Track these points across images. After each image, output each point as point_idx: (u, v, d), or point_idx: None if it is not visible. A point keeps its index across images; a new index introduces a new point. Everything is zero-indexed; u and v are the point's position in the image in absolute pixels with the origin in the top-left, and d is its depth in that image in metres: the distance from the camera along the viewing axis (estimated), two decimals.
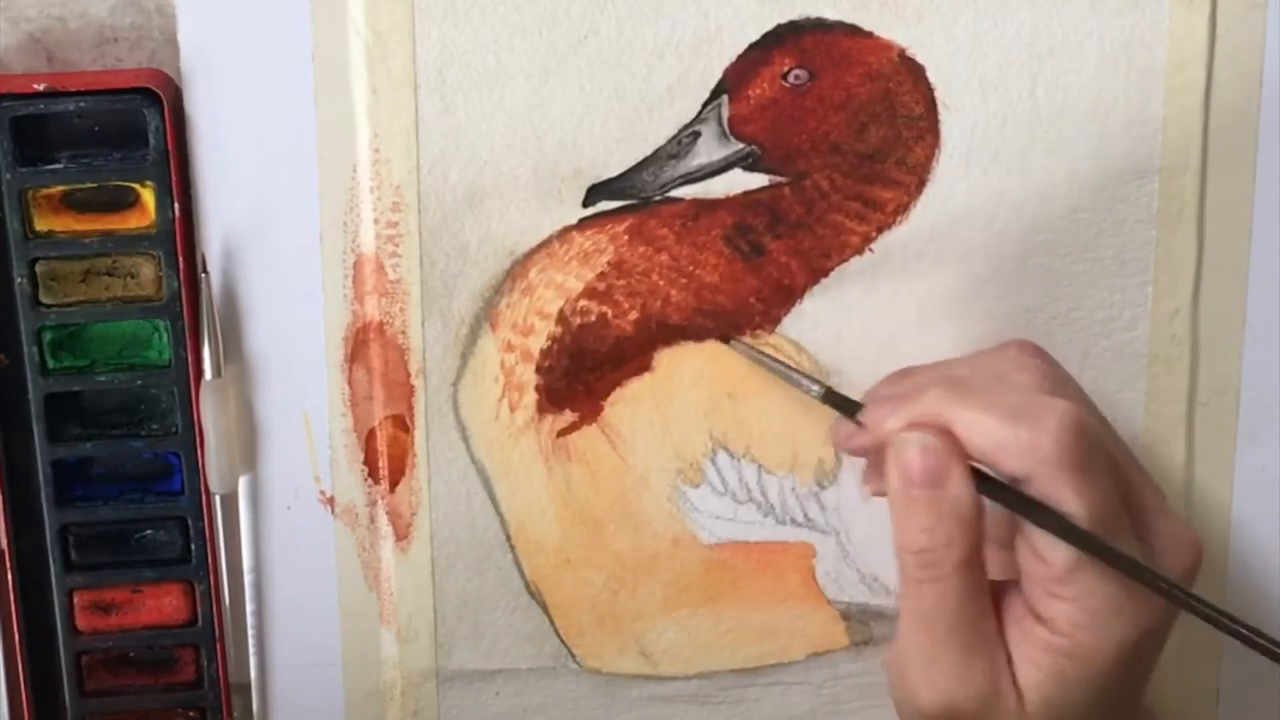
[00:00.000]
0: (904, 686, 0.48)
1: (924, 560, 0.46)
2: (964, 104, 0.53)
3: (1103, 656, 0.45)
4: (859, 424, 0.49)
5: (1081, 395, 0.49)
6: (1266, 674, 0.57)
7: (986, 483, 0.46)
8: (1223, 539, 0.56)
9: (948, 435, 0.46)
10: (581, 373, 0.54)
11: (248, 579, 0.55)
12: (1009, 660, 0.46)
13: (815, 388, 0.51)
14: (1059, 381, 0.49)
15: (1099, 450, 0.45)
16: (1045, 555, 0.45)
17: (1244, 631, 0.44)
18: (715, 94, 0.52)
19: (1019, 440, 0.45)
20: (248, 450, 0.54)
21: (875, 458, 0.50)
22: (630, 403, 0.54)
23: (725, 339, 0.53)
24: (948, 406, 0.46)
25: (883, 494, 0.48)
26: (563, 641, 0.56)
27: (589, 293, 0.53)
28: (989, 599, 0.47)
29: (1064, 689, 0.46)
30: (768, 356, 0.53)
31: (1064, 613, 0.45)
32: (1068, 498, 0.45)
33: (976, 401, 0.46)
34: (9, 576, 0.54)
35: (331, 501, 0.55)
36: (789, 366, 0.53)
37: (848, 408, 0.49)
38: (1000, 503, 0.46)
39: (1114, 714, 0.47)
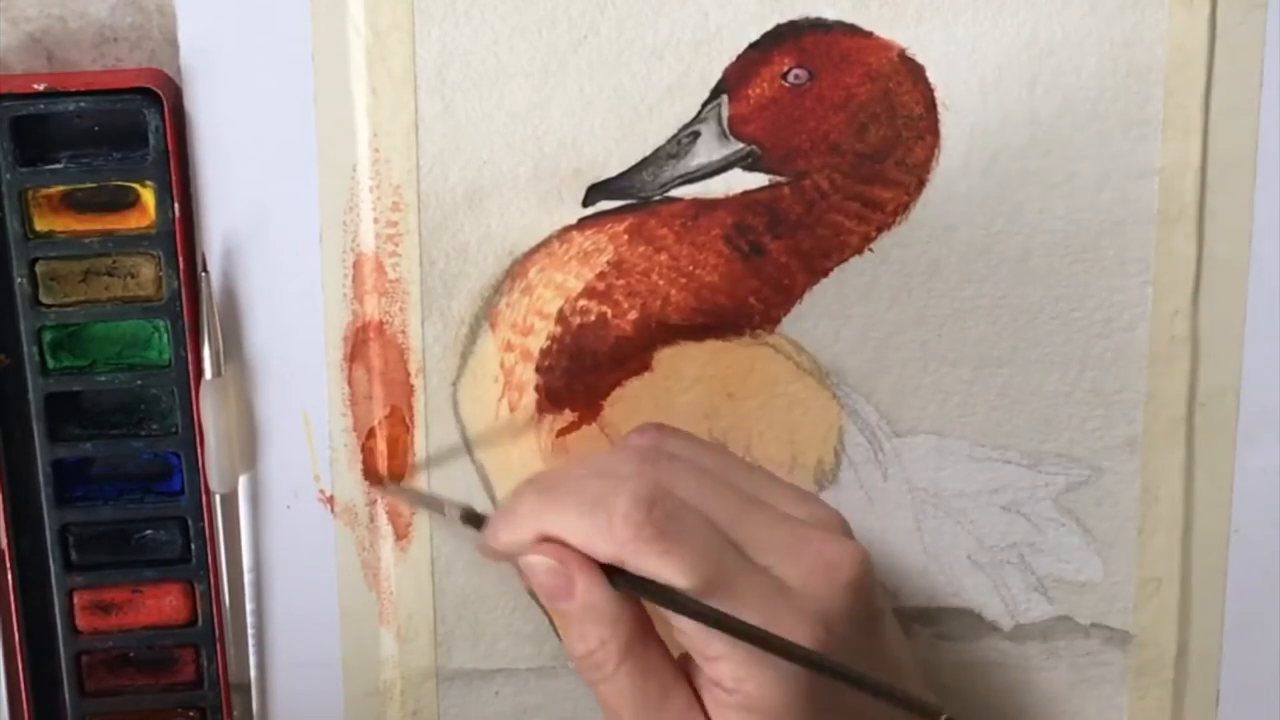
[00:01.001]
0: None
1: (588, 664, 0.47)
2: (964, 104, 0.53)
3: (779, 701, 0.45)
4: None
5: (688, 466, 0.48)
6: (1266, 674, 0.57)
7: (616, 575, 0.46)
8: (1223, 539, 0.56)
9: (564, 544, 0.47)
10: (581, 372, 0.54)
11: (248, 579, 0.55)
12: None
13: (455, 511, 0.51)
14: (660, 459, 0.48)
15: (680, 514, 0.46)
16: (677, 624, 0.46)
17: (861, 680, 0.45)
18: (715, 94, 0.52)
19: (597, 528, 0.46)
20: (248, 450, 0.54)
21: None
22: (630, 403, 0.54)
23: (381, 484, 0.54)
24: (541, 513, 0.47)
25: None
26: (562, 641, 0.56)
27: (589, 292, 0.53)
28: (674, 676, 0.47)
29: None
30: (411, 492, 0.54)
31: (724, 670, 0.46)
32: (656, 569, 0.45)
33: (561, 501, 0.47)
34: (9, 576, 0.54)
35: (331, 501, 0.55)
36: (431, 496, 0.53)
37: (478, 524, 0.50)
38: (625, 589, 0.46)
39: None
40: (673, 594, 0.45)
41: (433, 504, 0.53)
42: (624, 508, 0.45)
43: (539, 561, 0.47)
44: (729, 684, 0.46)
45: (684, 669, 0.48)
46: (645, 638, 0.47)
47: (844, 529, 0.49)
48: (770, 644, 0.45)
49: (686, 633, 0.46)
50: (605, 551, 0.46)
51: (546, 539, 0.47)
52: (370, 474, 0.54)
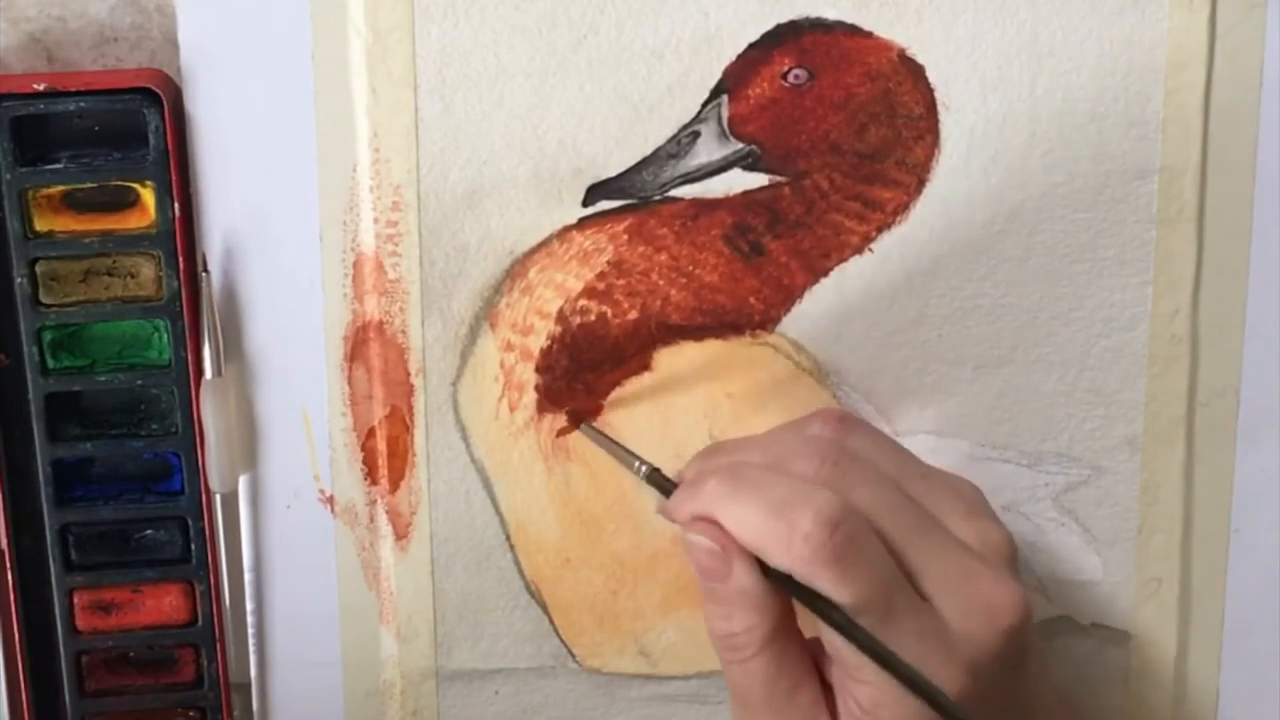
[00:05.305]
0: None
1: (727, 644, 0.47)
2: (964, 104, 0.53)
3: None
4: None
5: (869, 470, 0.48)
6: (1266, 674, 0.57)
7: (772, 570, 0.46)
8: (1223, 539, 0.56)
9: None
10: (581, 372, 0.54)
11: (248, 579, 0.55)
12: None
13: (643, 469, 0.51)
14: (841, 460, 0.48)
15: (859, 538, 0.46)
16: (831, 641, 0.46)
17: None
18: (715, 94, 0.52)
19: (775, 535, 0.46)
20: (248, 450, 0.54)
21: None
22: (630, 402, 0.54)
23: (577, 423, 0.54)
24: (720, 500, 0.47)
25: None
26: (562, 641, 0.56)
27: (589, 292, 0.53)
28: (806, 670, 0.48)
29: None
30: (606, 439, 0.53)
31: (864, 692, 0.46)
32: (827, 590, 0.45)
33: (745, 494, 0.47)
34: (9, 576, 0.54)
35: (331, 501, 0.55)
36: (624, 449, 0.52)
37: (666, 490, 0.50)
38: (784, 590, 0.46)
39: None
40: (832, 609, 0.45)
41: (624, 457, 0.52)
42: (807, 526, 0.45)
43: (699, 541, 0.47)
44: (866, 705, 0.46)
45: (816, 659, 0.48)
46: (787, 630, 0.47)
47: (1009, 554, 0.49)
48: (915, 683, 0.45)
49: (836, 646, 0.46)
50: (778, 559, 0.46)
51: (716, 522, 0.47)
52: (571, 414, 0.54)
